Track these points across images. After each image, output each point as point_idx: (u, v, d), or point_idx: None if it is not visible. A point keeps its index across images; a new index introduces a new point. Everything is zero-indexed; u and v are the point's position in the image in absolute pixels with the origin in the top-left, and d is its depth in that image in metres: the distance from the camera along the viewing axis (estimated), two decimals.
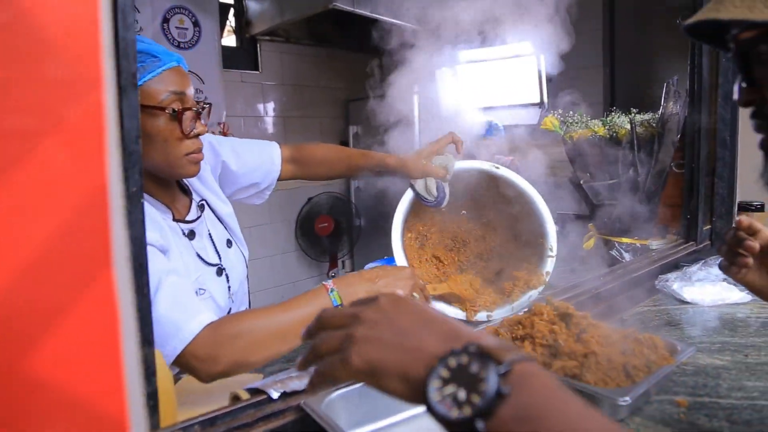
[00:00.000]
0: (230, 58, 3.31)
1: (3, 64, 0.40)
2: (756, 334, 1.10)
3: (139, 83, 0.95)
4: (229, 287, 1.17)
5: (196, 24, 3.05)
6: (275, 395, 0.73)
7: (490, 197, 1.36)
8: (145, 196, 1.07)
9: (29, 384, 0.37)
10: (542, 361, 0.84)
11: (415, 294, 1.08)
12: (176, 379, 1.03)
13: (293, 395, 0.75)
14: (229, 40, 3.46)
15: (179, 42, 3.00)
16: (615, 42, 2.77)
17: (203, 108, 1.07)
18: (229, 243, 1.25)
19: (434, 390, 0.43)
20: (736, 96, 0.61)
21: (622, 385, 0.77)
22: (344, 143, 3.80)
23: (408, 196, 1.29)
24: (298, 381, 0.76)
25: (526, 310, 1.01)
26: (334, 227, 3.83)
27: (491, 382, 0.40)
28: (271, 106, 3.62)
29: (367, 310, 0.52)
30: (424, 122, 3.23)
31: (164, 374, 0.68)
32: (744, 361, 0.97)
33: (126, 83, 0.57)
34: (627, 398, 0.74)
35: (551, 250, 1.21)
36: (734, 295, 1.31)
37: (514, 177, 1.28)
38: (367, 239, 3.89)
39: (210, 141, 1.29)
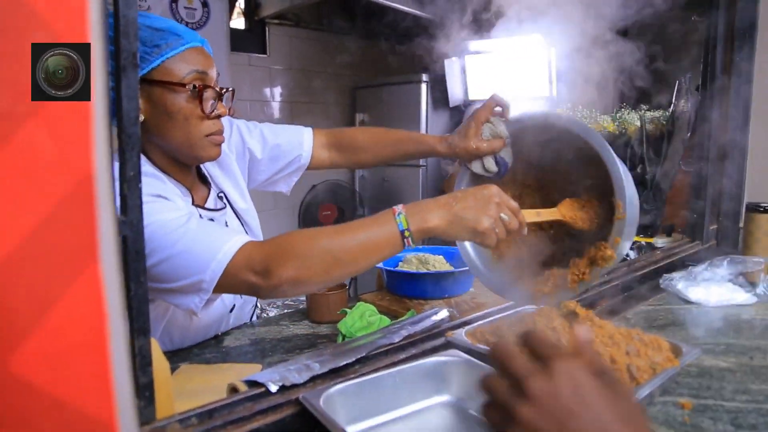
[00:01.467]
0: (238, 41, 3.28)
1: None
2: (761, 337, 1.09)
3: (161, 60, 0.96)
4: None
5: (205, 4, 3.03)
6: (274, 388, 0.72)
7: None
8: (169, 177, 1.07)
9: (13, 383, 0.35)
10: None
11: (504, 215, 0.89)
12: (174, 368, 1.02)
13: (292, 388, 0.74)
14: (238, 22, 3.43)
15: (187, 22, 2.97)
16: (627, 37, 2.73)
17: (226, 91, 1.06)
18: None
19: None
20: None
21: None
22: None
23: (465, 176, 1.15)
24: (297, 374, 0.75)
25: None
26: (337, 215, 3.81)
27: None
28: (278, 90, 3.59)
29: (535, 384, 0.45)
30: (432, 111, 3.20)
31: (161, 365, 0.67)
32: (749, 364, 0.96)
33: (126, 63, 0.55)
34: None
35: (619, 207, 0.91)
36: (740, 296, 1.29)
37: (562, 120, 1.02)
38: None
39: (239, 126, 1.27)
